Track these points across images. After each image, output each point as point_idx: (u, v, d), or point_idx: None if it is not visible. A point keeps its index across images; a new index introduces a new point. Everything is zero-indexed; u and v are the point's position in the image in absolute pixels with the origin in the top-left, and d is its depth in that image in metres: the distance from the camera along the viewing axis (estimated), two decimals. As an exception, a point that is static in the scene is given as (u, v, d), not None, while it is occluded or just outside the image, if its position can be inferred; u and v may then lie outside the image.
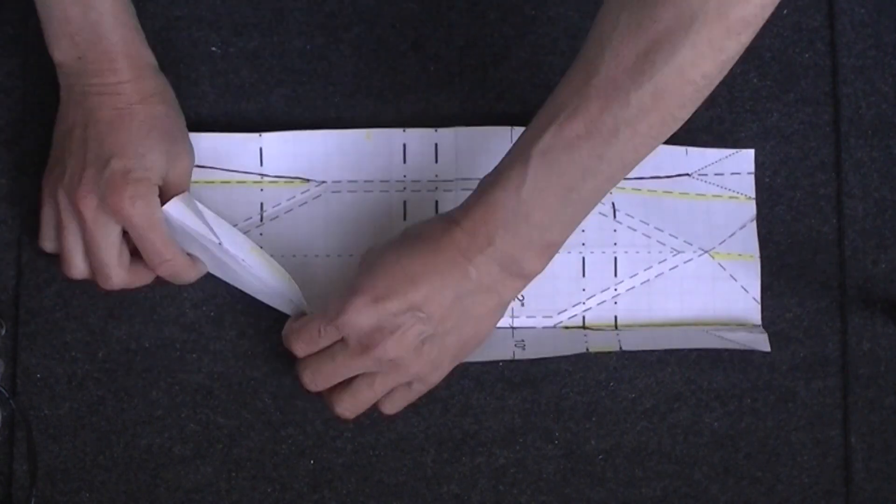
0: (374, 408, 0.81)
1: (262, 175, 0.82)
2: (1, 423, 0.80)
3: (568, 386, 0.82)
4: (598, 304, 0.81)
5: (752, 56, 0.84)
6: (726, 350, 0.81)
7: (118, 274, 0.77)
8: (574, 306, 0.81)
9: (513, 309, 0.81)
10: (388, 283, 0.73)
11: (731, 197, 0.82)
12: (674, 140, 0.82)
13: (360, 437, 0.81)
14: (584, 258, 0.82)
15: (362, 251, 0.81)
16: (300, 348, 0.77)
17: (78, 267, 0.78)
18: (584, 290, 0.82)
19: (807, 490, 0.81)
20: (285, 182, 0.82)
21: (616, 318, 0.81)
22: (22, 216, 0.83)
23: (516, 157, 0.71)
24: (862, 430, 0.82)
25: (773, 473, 0.81)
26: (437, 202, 0.82)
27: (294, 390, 0.81)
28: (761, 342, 0.80)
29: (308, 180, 0.82)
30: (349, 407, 0.77)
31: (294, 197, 0.82)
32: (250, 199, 0.82)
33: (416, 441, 0.81)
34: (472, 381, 0.82)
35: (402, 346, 0.74)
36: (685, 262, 0.81)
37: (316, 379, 0.76)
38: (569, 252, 0.81)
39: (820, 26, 0.84)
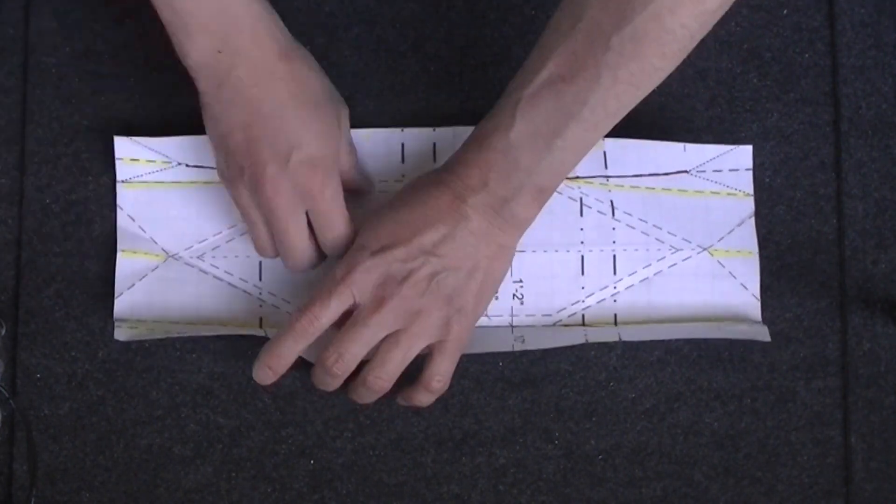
0: (373, 408, 0.81)
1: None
2: (1, 423, 0.80)
3: (568, 386, 0.82)
4: (598, 303, 0.81)
5: (752, 56, 0.84)
6: (726, 350, 0.81)
7: (309, 254, 0.78)
8: (573, 304, 0.81)
9: (512, 308, 0.81)
10: (390, 233, 0.74)
11: (729, 193, 0.82)
12: (673, 138, 0.82)
13: (360, 437, 0.81)
14: (582, 256, 0.81)
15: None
16: (312, 316, 0.75)
17: (272, 252, 0.79)
18: (583, 288, 0.81)
19: (807, 490, 0.81)
20: (285, 182, 0.82)
21: (616, 315, 0.81)
22: (22, 216, 0.83)
23: (507, 101, 0.72)
24: (862, 430, 0.81)
25: (773, 473, 0.81)
26: (436, 201, 0.82)
27: (294, 390, 0.81)
28: (761, 333, 0.80)
29: (308, 180, 0.82)
30: (382, 374, 0.76)
31: (294, 197, 0.82)
32: (250, 199, 0.82)
33: (416, 441, 0.81)
34: (472, 381, 0.82)
35: (418, 288, 0.74)
36: (684, 260, 0.81)
37: (343, 356, 0.75)
38: (568, 251, 0.81)
39: (820, 26, 0.84)
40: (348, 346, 0.75)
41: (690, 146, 0.82)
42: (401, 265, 0.74)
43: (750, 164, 0.82)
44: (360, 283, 0.74)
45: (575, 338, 0.80)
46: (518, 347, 0.80)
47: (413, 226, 0.74)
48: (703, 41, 0.83)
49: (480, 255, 0.75)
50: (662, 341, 0.81)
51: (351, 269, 0.74)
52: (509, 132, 0.72)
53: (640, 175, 0.82)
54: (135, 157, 0.82)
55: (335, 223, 0.78)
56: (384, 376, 0.76)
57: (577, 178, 0.82)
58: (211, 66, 0.74)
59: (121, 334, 0.79)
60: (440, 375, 0.77)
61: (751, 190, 0.82)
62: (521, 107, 0.71)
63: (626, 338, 0.80)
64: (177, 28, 0.73)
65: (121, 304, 0.81)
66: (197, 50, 0.73)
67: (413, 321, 0.75)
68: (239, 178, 0.76)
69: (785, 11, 0.84)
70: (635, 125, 0.83)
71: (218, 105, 0.75)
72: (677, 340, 0.81)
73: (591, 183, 0.82)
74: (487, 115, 0.74)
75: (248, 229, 0.79)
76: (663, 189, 0.82)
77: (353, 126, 0.83)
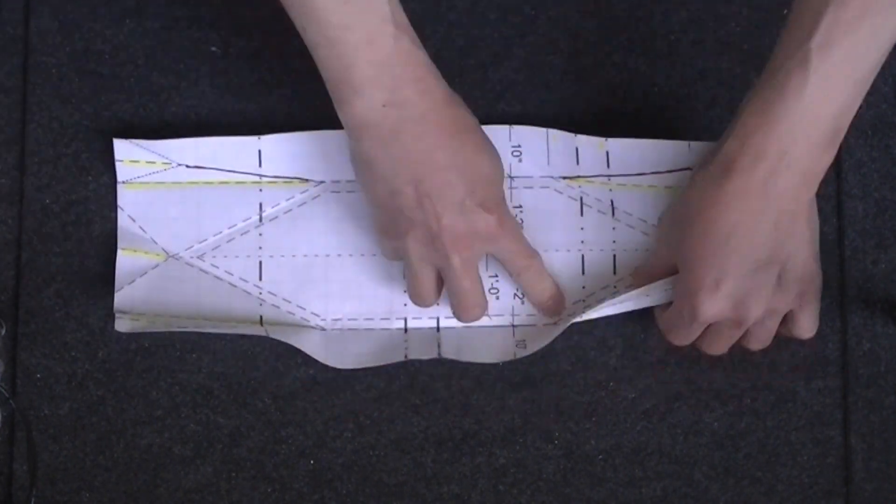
0: (373, 408, 0.81)
1: (261, 176, 0.82)
2: (1, 423, 0.80)
3: (568, 386, 0.82)
4: (598, 302, 0.81)
5: (752, 56, 0.84)
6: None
7: (484, 299, 0.79)
8: (574, 304, 0.81)
9: (513, 307, 0.81)
10: (712, 264, 0.73)
11: None
12: (674, 138, 0.82)
13: (360, 437, 0.81)
14: (583, 256, 0.81)
15: (361, 251, 0.81)
16: (678, 340, 0.78)
17: (434, 299, 0.79)
18: (583, 287, 0.81)
19: (807, 490, 0.81)
20: (284, 182, 0.82)
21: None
22: (22, 216, 0.83)
23: (788, 64, 0.69)
24: (862, 430, 0.81)
25: (773, 473, 0.81)
26: (436, 201, 0.82)
27: (294, 390, 0.81)
28: None
29: (307, 180, 0.82)
30: (762, 344, 0.78)
31: (293, 197, 0.82)
32: (249, 199, 0.82)
33: (416, 441, 0.81)
34: (472, 381, 0.82)
35: (765, 298, 0.74)
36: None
37: (715, 349, 0.78)
38: (568, 250, 0.81)
39: (820, 26, 0.84)
40: (720, 345, 0.78)
41: (695, 144, 0.82)
42: (741, 288, 0.73)
43: None
44: (709, 319, 0.75)
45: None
46: (519, 354, 0.80)
47: (733, 245, 0.72)
48: (702, 41, 0.84)
49: (798, 227, 0.73)
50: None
51: (699, 312, 0.74)
52: (803, 92, 0.69)
53: (643, 174, 0.82)
54: (135, 158, 0.82)
55: (523, 254, 0.78)
56: (764, 344, 0.79)
57: (578, 177, 0.82)
58: (378, 123, 0.72)
59: (121, 325, 0.79)
60: (809, 329, 0.78)
61: None
62: (814, 60, 0.68)
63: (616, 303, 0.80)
64: (341, 84, 0.71)
65: (121, 298, 0.81)
66: (364, 105, 0.71)
67: (772, 314, 0.76)
68: (409, 232, 0.75)
69: (785, 11, 0.84)
70: (635, 125, 0.83)
71: (385, 164, 0.73)
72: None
73: (592, 182, 0.82)
74: (760, 92, 0.71)
75: (411, 281, 0.78)
76: (666, 187, 0.82)
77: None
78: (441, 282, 0.78)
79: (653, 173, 0.82)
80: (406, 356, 0.80)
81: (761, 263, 0.73)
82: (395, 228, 0.76)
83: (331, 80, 0.72)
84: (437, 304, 0.80)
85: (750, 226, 0.72)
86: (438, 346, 0.81)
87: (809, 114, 0.69)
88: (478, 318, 0.79)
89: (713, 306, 0.74)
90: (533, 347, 0.80)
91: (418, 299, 0.79)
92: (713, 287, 0.73)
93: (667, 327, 0.78)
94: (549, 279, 0.80)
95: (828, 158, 0.71)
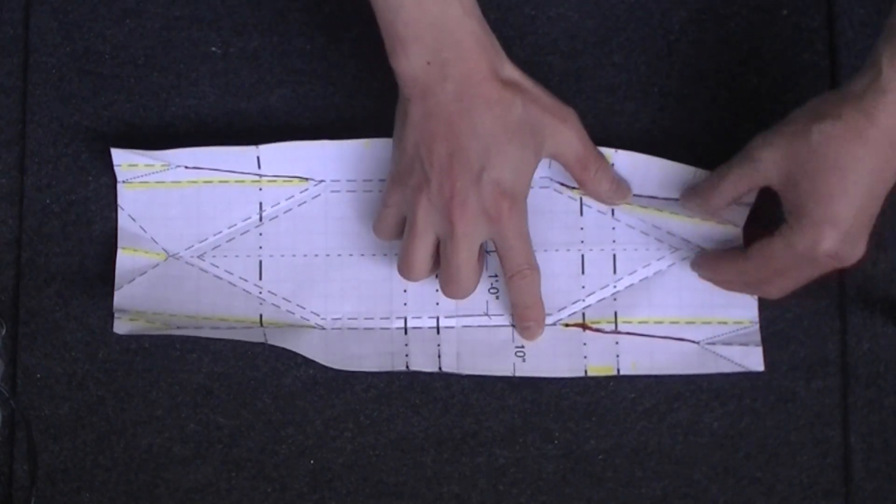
0: (373, 408, 0.81)
1: (261, 175, 0.82)
2: (1, 423, 0.80)
3: (568, 386, 0.82)
4: (598, 302, 0.81)
5: (752, 56, 0.84)
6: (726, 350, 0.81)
7: (473, 281, 0.78)
8: (574, 304, 0.81)
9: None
10: (836, 203, 0.73)
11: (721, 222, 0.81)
12: (673, 137, 0.82)
13: (360, 437, 0.81)
14: (583, 256, 0.82)
15: (361, 251, 0.81)
16: (755, 274, 0.77)
17: (423, 273, 0.78)
18: (583, 287, 0.82)
19: (807, 490, 0.81)
20: (284, 181, 0.82)
21: (616, 313, 0.81)
22: (22, 216, 0.83)
23: None
24: (862, 430, 0.81)
25: (772, 473, 0.81)
26: (436, 201, 0.82)
27: (294, 390, 0.81)
28: (754, 361, 0.80)
29: (307, 179, 0.82)
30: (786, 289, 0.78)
31: (293, 196, 0.83)
32: (249, 198, 0.82)
33: (416, 441, 0.81)
34: (472, 381, 0.82)
35: (862, 245, 0.74)
36: (683, 259, 0.81)
37: (782, 290, 0.78)
38: (568, 250, 0.81)
39: (820, 26, 0.84)
40: (788, 286, 0.77)
41: (700, 171, 0.80)
42: (859, 227, 0.73)
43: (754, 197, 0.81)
44: (823, 255, 0.74)
45: (575, 368, 0.81)
46: (518, 369, 0.81)
47: (869, 188, 0.73)
48: (702, 41, 0.84)
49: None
50: (662, 338, 0.81)
51: (817, 244, 0.73)
52: None
53: (640, 196, 0.81)
54: (133, 163, 0.82)
55: (523, 257, 0.77)
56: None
57: (575, 188, 0.82)
58: (420, 77, 0.74)
59: (120, 326, 0.79)
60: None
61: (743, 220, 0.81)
62: None
63: (623, 370, 0.81)
64: (392, 36, 0.73)
65: (120, 297, 0.81)
66: (408, 60, 0.73)
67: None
68: (423, 187, 0.75)
69: (785, 11, 0.84)
70: (635, 123, 0.83)
71: (418, 113, 0.75)
72: (677, 334, 0.81)
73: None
74: (886, 45, 0.71)
75: (407, 242, 0.77)
76: (656, 209, 0.81)
77: (353, 126, 0.83)
78: (434, 260, 0.78)
79: (649, 197, 0.81)
80: (407, 366, 0.80)
81: (877, 209, 0.73)
82: (410, 179, 0.76)
83: (381, 27, 0.74)
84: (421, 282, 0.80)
85: (888, 173, 0.73)
86: (439, 357, 0.81)
87: None
88: (460, 298, 0.79)
89: (836, 240, 0.73)
90: (531, 363, 0.81)
91: (405, 266, 0.78)
92: (832, 226, 0.73)
93: (756, 258, 0.77)
94: (539, 300, 0.80)
95: None
